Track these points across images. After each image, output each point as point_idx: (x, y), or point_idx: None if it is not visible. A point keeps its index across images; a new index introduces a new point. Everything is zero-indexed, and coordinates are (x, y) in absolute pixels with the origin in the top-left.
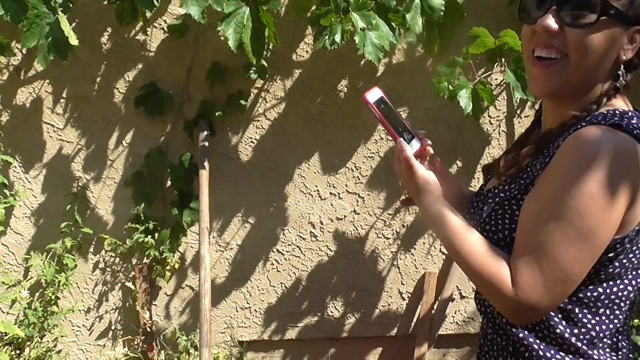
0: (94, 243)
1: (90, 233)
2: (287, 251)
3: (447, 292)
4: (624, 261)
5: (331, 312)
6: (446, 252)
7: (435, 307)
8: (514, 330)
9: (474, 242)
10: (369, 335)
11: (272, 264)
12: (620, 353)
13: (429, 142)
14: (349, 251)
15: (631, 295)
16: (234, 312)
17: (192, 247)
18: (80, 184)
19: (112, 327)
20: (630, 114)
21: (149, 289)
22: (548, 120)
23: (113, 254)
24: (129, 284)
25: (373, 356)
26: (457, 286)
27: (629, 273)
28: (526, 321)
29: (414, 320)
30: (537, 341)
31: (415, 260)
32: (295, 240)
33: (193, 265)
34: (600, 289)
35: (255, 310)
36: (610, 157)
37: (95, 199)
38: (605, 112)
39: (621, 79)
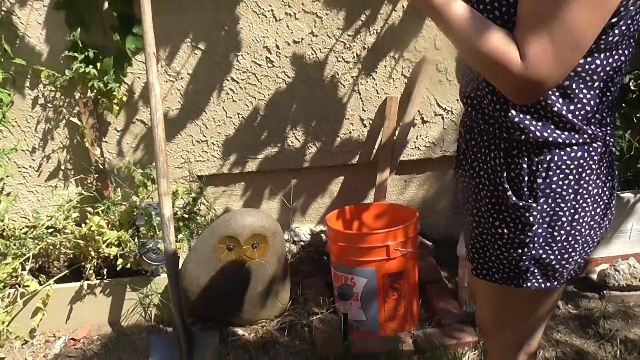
0: (29, 77)
1: (24, 64)
2: (242, 79)
3: (409, 117)
4: (623, 28)
5: (291, 142)
6: (408, 76)
7: (397, 133)
8: (508, 115)
9: (476, 21)
10: (330, 164)
11: (227, 93)
12: (608, 128)
13: None
14: (307, 77)
15: (622, 66)
16: (190, 146)
17: (139, 78)
18: (3, 8)
19: (62, 167)
20: None
21: (97, 125)
22: None
23: (53, 88)
24: (75, 120)
25: (335, 185)
26: (418, 111)
27: (624, 42)
28: (531, 99)
29: (376, 147)
30: (534, 122)
31: (376, 84)
32: (251, 67)
33: (143, 97)
34: (597, 61)
35: (212, 143)
36: None
37: (24, 26)
38: None
39: None
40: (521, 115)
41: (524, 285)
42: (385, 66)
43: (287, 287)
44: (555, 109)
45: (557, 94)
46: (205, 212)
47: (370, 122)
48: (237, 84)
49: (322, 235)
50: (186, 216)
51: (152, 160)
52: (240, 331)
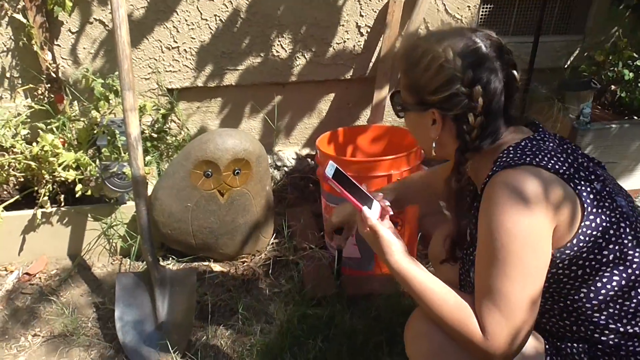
0: None
1: None
2: None
3: (413, 25)
4: (587, 262)
5: (276, 51)
6: None
7: (398, 43)
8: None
9: (440, 294)
10: (320, 79)
11: None
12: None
13: (387, 202)
14: None
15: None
16: (159, 53)
17: None
18: None
19: (7, 75)
20: (522, 145)
21: (46, 24)
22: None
23: None
24: (19, 17)
25: (325, 103)
26: (424, 18)
27: (605, 270)
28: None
29: (373, 59)
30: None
31: None
32: None
33: None
34: (584, 292)
35: (184, 50)
36: (511, 196)
37: None
38: (505, 152)
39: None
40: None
41: None
42: None
43: (271, 220)
44: (612, 343)
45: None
46: (176, 132)
47: (369, 29)
48: None
49: (309, 159)
50: (155, 135)
51: (114, 69)
52: (218, 267)
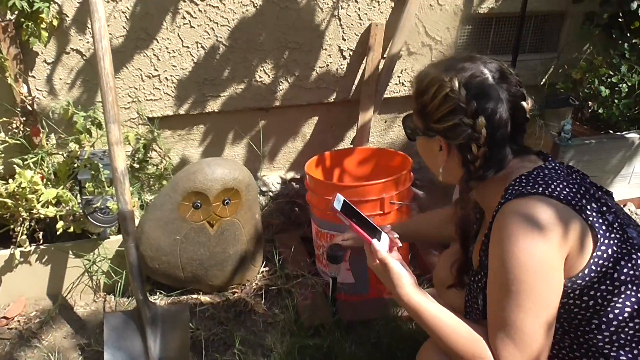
0: None
1: None
2: (201, 0)
3: (395, 47)
4: (598, 293)
5: (259, 77)
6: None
7: (381, 66)
8: None
9: (453, 327)
10: (304, 103)
11: (184, 17)
12: None
13: (396, 234)
14: None
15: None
16: (139, 81)
17: None
18: None
19: None
20: (534, 174)
21: (21, 55)
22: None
23: None
24: None
25: (308, 126)
26: (405, 41)
27: (616, 300)
28: None
29: (356, 82)
30: None
31: (359, 9)
32: None
33: (78, 21)
34: (595, 323)
35: (165, 78)
36: (524, 227)
37: None
38: (517, 181)
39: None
40: None
41: None
42: None
43: (260, 248)
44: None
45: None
46: (158, 161)
47: (351, 53)
48: (196, 5)
49: (294, 183)
50: (136, 166)
51: (92, 99)
52: (208, 299)
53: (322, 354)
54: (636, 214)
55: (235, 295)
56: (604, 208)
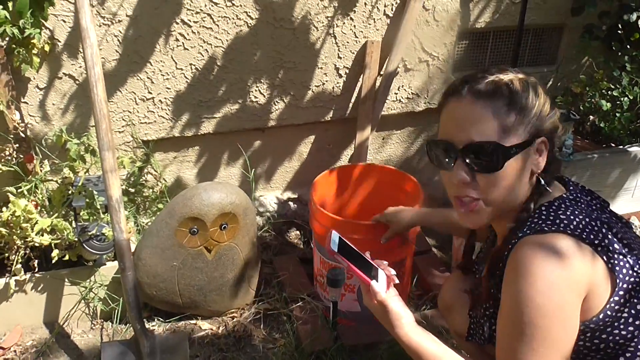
0: None
1: None
2: (195, 21)
3: (392, 64)
4: (610, 337)
5: (255, 97)
6: (391, 15)
7: (378, 83)
8: None
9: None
10: (300, 122)
11: (177, 39)
12: None
13: (393, 271)
14: (274, 18)
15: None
16: (133, 105)
17: (64, 22)
18: None
19: None
20: (555, 205)
21: (12, 82)
22: (496, 230)
23: None
24: None
25: (304, 146)
26: (401, 57)
27: (629, 345)
28: None
29: (352, 100)
30: None
31: (354, 27)
32: (205, 6)
33: (69, 46)
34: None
35: (159, 101)
36: (543, 267)
37: None
38: (537, 213)
39: (542, 183)
40: None
41: None
42: (365, 4)
43: (259, 270)
44: None
45: None
46: (153, 183)
47: (347, 71)
48: (189, 27)
49: (291, 203)
50: (131, 190)
51: (86, 124)
52: (206, 325)
53: None
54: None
55: (234, 320)
56: (626, 249)
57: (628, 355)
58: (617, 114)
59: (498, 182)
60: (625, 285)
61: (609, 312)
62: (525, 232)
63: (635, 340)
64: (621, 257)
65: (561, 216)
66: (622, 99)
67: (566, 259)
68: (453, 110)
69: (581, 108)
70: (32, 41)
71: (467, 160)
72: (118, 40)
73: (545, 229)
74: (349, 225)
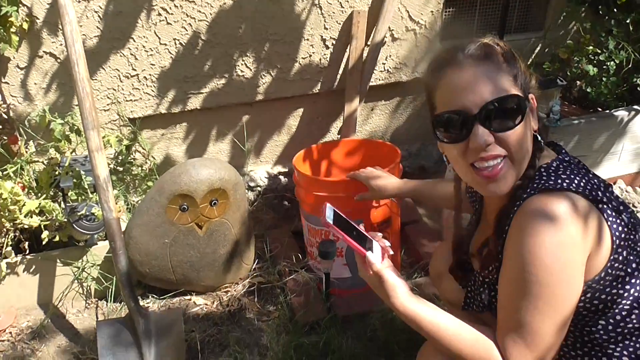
0: None
1: None
2: None
3: (379, 34)
4: (609, 297)
5: (241, 71)
6: None
7: (365, 54)
8: None
9: (454, 330)
10: (288, 95)
11: (159, 14)
12: None
13: (387, 242)
14: None
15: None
16: (117, 82)
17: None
18: None
19: None
20: (554, 166)
21: None
22: (487, 201)
23: None
24: None
25: (293, 119)
26: (389, 26)
27: (624, 303)
28: None
29: (340, 72)
30: None
31: None
32: None
33: (49, 23)
34: (602, 324)
35: (144, 77)
36: (551, 224)
37: None
38: (537, 174)
39: (540, 140)
40: None
41: None
42: None
43: (251, 245)
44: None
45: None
46: (141, 161)
47: (334, 42)
48: (172, 1)
49: (281, 177)
50: (119, 168)
51: (70, 103)
52: (201, 300)
53: (319, 351)
54: (626, 191)
55: (228, 294)
56: (621, 207)
57: (623, 313)
58: (604, 79)
59: (519, 136)
60: (622, 243)
61: (609, 271)
62: (530, 193)
63: (631, 298)
64: (617, 214)
65: (562, 176)
66: (608, 63)
67: (573, 217)
68: (457, 79)
69: (568, 74)
70: (9, 19)
71: (487, 122)
72: (98, 16)
73: (550, 187)
74: (324, 183)
